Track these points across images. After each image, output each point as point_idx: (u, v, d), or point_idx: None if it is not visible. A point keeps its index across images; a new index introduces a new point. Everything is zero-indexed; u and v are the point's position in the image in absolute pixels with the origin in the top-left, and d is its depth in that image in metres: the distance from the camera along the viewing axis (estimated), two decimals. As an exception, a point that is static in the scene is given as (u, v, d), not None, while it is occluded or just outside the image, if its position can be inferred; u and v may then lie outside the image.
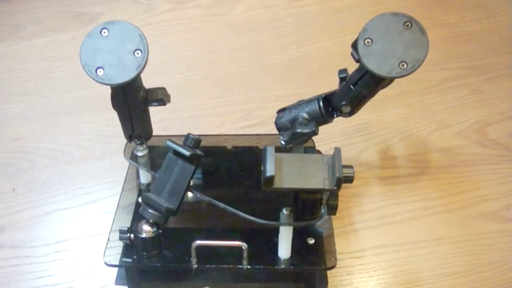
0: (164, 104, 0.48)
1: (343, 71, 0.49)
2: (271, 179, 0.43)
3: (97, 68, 0.42)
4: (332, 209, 0.47)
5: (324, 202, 0.48)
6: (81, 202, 0.61)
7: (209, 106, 0.71)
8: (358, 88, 0.46)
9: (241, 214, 0.45)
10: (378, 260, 0.57)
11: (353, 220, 0.60)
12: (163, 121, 0.68)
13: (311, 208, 0.49)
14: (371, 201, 0.61)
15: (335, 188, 0.43)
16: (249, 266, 0.47)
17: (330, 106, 0.50)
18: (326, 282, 0.52)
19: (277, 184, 0.43)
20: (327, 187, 0.44)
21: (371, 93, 0.47)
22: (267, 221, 0.46)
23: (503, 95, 0.69)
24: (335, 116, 0.50)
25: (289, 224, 0.48)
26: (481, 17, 0.75)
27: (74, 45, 0.75)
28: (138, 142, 0.52)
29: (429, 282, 0.56)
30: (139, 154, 0.53)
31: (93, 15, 0.77)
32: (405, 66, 0.43)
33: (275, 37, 0.75)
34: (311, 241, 0.49)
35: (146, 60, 0.43)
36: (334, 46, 0.76)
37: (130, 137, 0.51)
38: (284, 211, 0.49)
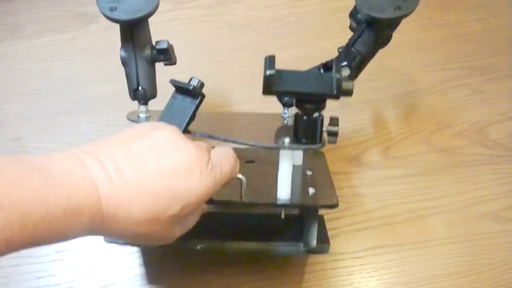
0: (171, 59, 0.50)
1: (341, 47, 0.51)
2: (271, 78, 0.42)
3: (110, 7, 0.47)
4: (333, 136, 0.47)
5: (324, 129, 0.47)
6: (81, 202, 0.61)
7: (209, 107, 0.71)
8: (356, 47, 0.48)
9: (242, 140, 0.45)
10: (378, 260, 0.58)
11: (354, 220, 0.60)
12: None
13: (312, 132, 0.47)
14: (372, 201, 0.61)
15: (336, 93, 0.43)
16: (246, 201, 0.46)
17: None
18: (328, 243, 0.50)
19: (277, 87, 0.43)
20: (328, 92, 0.43)
21: (369, 52, 0.49)
22: (269, 144, 0.46)
23: (503, 95, 0.69)
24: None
25: (290, 148, 0.46)
26: (481, 18, 0.75)
27: (74, 45, 0.75)
28: (141, 102, 0.52)
29: (430, 282, 0.56)
30: (142, 115, 0.53)
31: (94, 15, 0.77)
32: (399, 10, 0.46)
33: (276, 37, 0.75)
34: (312, 191, 0.49)
35: (157, 4, 0.47)
36: (335, 46, 0.76)
37: (134, 92, 0.51)
38: (285, 140, 0.48)
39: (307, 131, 0.46)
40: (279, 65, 0.62)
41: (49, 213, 0.32)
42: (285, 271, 0.57)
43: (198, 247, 0.49)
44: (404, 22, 0.75)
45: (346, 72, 0.50)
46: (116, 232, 0.37)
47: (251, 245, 0.50)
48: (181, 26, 0.81)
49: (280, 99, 0.53)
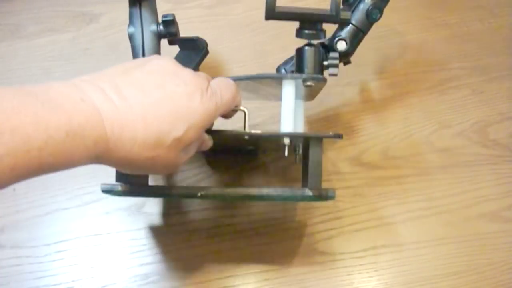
0: (176, 34, 0.53)
1: None
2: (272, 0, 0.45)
3: None
4: (334, 67, 0.49)
5: (325, 63, 0.49)
6: (81, 202, 0.61)
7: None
8: (351, 20, 0.53)
9: (244, 76, 0.47)
10: (378, 261, 0.58)
11: (354, 220, 0.60)
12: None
13: (313, 63, 0.49)
14: (372, 201, 0.61)
15: (335, 15, 0.45)
16: (251, 131, 0.46)
17: (327, 51, 0.55)
18: (333, 189, 0.49)
19: (279, 9, 0.46)
20: (327, 13, 0.46)
21: (363, 25, 0.54)
22: (271, 74, 0.47)
23: (503, 95, 0.69)
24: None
25: (292, 77, 0.47)
26: (481, 18, 0.75)
27: (74, 45, 0.75)
28: None
29: (430, 282, 0.56)
30: None
31: (94, 15, 0.77)
32: None
33: (276, 37, 0.75)
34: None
35: None
36: (335, 46, 0.76)
37: None
38: (288, 75, 0.48)
39: (308, 61, 0.48)
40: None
41: (51, 137, 0.31)
42: (285, 271, 0.57)
43: (199, 194, 0.47)
44: (404, 22, 0.75)
45: (342, 45, 0.53)
46: (122, 158, 0.36)
47: (254, 191, 0.48)
48: (181, 26, 0.80)
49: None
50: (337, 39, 0.54)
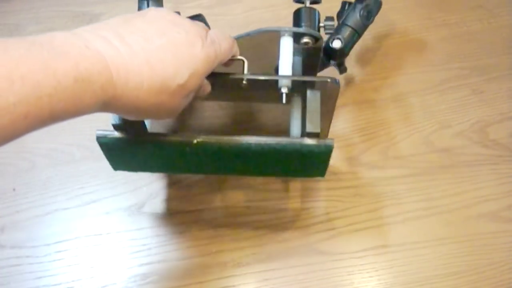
0: None
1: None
2: None
3: None
4: (329, 29, 0.54)
5: (321, 25, 0.53)
6: (81, 202, 0.61)
7: (209, 107, 0.71)
8: (346, 22, 0.57)
9: (243, 33, 0.48)
10: (378, 260, 0.58)
11: (354, 220, 0.60)
12: (163, 121, 0.68)
13: (309, 21, 0.53)
14: (372, 201, 0.61)
15: None
16: (249, 75, 0.46)
17: (324, 53, 0.58)
18: (332, 139, 0.47)
19: None
20: None
21: (357, 26, 0.57)
22: (270, 28, 0.47)
23: (503, 95, 0.69)
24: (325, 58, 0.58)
25: (291, 30, 0.48)
26: (482, 18, 0.75)
27: (74, 45, 0.75)
28: None
29: (430, 282, 0.56)
30: None
31: (93, 15, 0.77)
32: None
33: (276, 37, 0.75)
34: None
35: None
36: (335, 46, 0.76)
37: None
38: (286, 28, 0.50)
39: (305, 20, 0.52)
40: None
41: (60, 83, 0.32)
42: (285, 271, 0.57)
43: (195, 141, 0.47)
44: (404, 22, 0.75)
45: (337, 43, 0.56)
46: (129, 104, 0.37)
47: (251, 140, 0.47)
48: (181, 26, 0.81)
49: None
50: (333, 37, 0.57)
